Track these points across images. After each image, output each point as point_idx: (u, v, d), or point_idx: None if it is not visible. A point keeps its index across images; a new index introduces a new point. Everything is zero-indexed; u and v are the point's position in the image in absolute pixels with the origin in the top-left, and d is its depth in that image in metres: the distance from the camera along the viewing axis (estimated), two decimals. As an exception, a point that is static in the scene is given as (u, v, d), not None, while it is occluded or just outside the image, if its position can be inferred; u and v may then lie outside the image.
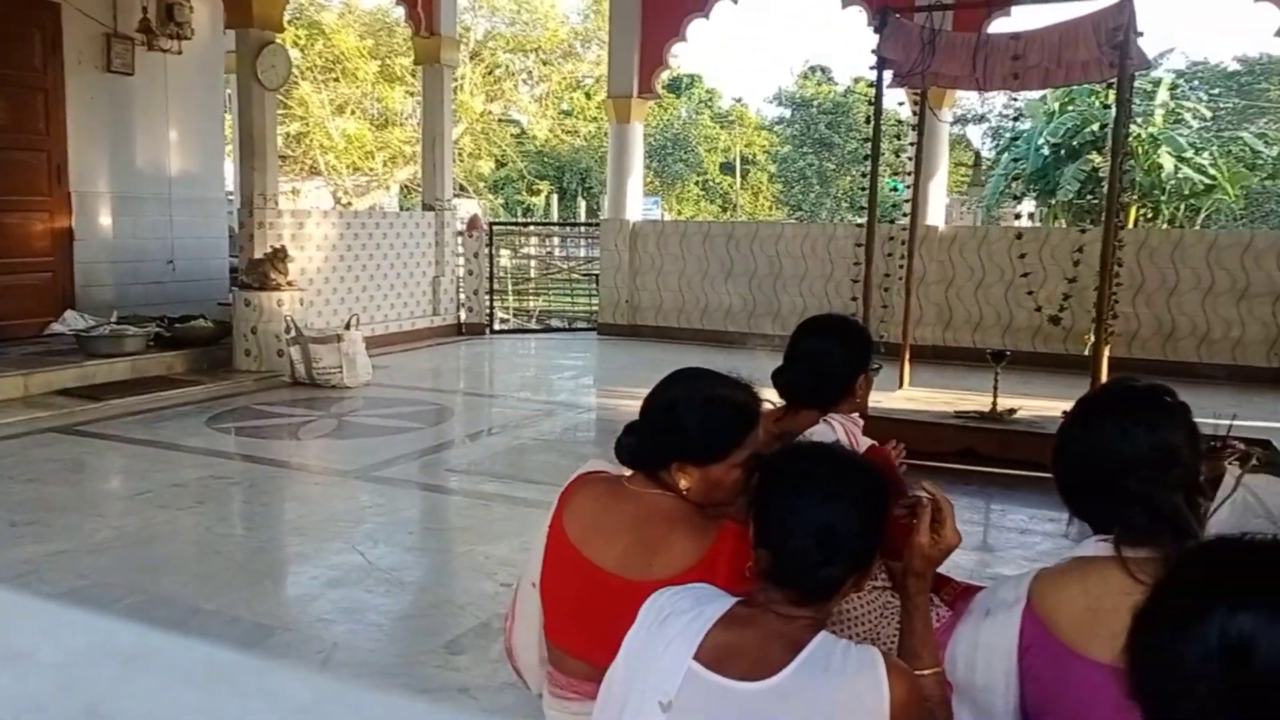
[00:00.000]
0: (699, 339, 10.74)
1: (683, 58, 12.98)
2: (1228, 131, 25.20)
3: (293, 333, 8.19)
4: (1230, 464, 3.98)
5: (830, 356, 2.60)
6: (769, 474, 1.71)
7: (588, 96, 26.65)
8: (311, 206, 19.29)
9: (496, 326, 11.99)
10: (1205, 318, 8.94)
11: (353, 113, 22.55)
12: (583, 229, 17.53)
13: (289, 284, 8.62)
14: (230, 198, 12.26)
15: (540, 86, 24.51)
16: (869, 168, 6.34)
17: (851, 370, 2.62)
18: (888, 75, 6.32)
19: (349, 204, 22.08)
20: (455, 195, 12.39)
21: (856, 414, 2.65)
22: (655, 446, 2.08)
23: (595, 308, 12.20)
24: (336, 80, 21.78)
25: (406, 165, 22.44)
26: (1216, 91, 29.28)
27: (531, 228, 18.92)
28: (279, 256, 8.56)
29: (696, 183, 33.45)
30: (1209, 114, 25.90)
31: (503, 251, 13.44)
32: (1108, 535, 1.72)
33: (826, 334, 2.68)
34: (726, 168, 34.40)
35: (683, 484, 2.02)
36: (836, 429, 2.49)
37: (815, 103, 34.64)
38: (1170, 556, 1.59)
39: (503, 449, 6.45)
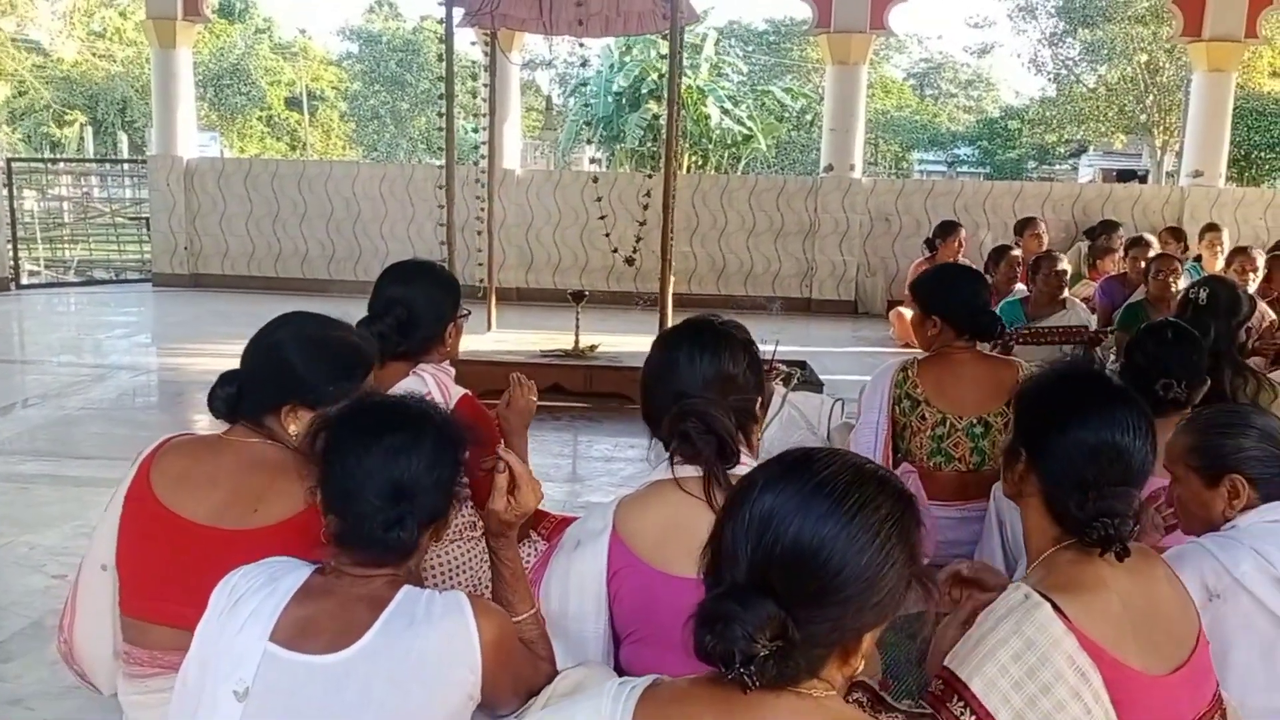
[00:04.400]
0: (274, 288, 10.07)
1: (236, -19, 11.93)
2: (760, 86, 28.26)
3: None
4: (776, 384, 4.50)
5: (417, 304, 2.53)
6: (332, 433, 1.63)
7: (124, 16, 23.62)
8: None
9: (25, 280, 10.41)
10: (750, 255, 10.01)
11: None
12: (126, 167, 15.67)
13: None
14: None
15: (63, 1, 21.25)
16: (444, 108, 6.26)
17: (440, 318, 2.58)
18: (457, 14, 6.25)
19: None
20: (-42, 126, 10.45)
21: (447, 362, 2.61)
22: (261, 391, 1.96)
23: (148, 256, 10.98)
24: None
25: (-113, 88, 18.54)
26: (750, 49, 32.69)
27: (62, 165, 16.57)
28: None
29: (260, 118, 31.17)
30: (745, 69, 28.87)
31: (27, 193, 11.69)
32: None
33: (412, 281, 2.61)
34: (293, 103, 32.41)
35: (292, 429, 1.93)
36: (427, 380, 2.44)
37: (384, 39, 33.63)
38: (713, 472, 1.79)
39: (43, 422, 5.63)
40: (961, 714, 1.55)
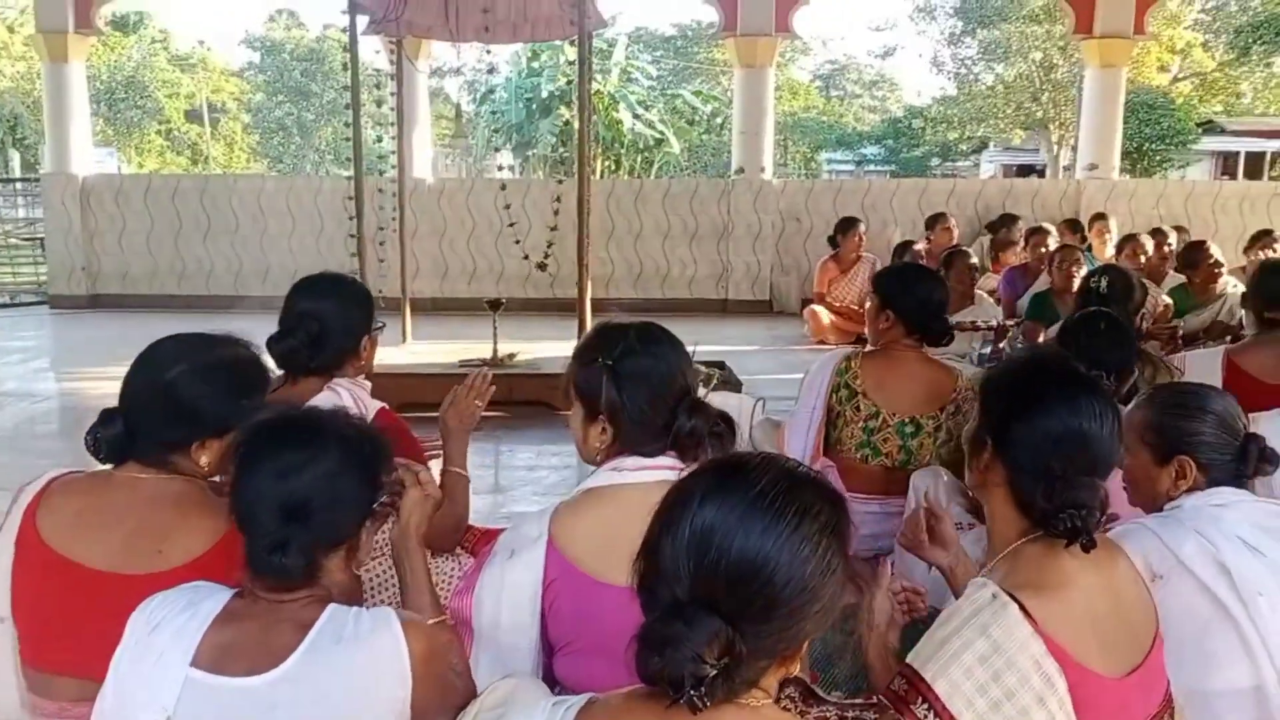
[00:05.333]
0: (177, 306, 9.77)
1: (128, -9, 11.56)
2: (670, 90, 28.45)
3: None
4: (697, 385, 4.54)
5: (329, 319, 2.49)
6: (239, 450, 1.59)
7: (11, 30, 22.70)
8: None
9: (-89, 307, 9.91)
10: (665, 259, 10.05)
11: None
12: (18, 186, 15.04)
13: None
14: None
15: (-57, 15, 20.35)
16: (351, 118, 6.16)
17: (354, 332, 2.53)
18: (361, 22, 6.15)
19: None
20: None
21: (363, 376, 2.57)
22: (160, 431, 1.86)
23: (44, 278, 10.56)
24: None
25: None
26: (659, 54, 32.88)
27: (-52, 186, 15.84)
28: None
29: (159, 132, 30.28)
30: (655, 74, 29.03)
31: (-90, 215, 11.11)
32: (622, 463, 1.86)
33: (323, 295, 2.56)
34: (193, 116, 31.55)
35: (204, 460, 1.86)
36: (343, 395, 2.39)
37: (288, 48, 32.97)
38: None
39: (-65, 454, 5.36)
40: (925, 716, 1.53)
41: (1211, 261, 5.85)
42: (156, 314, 9.35)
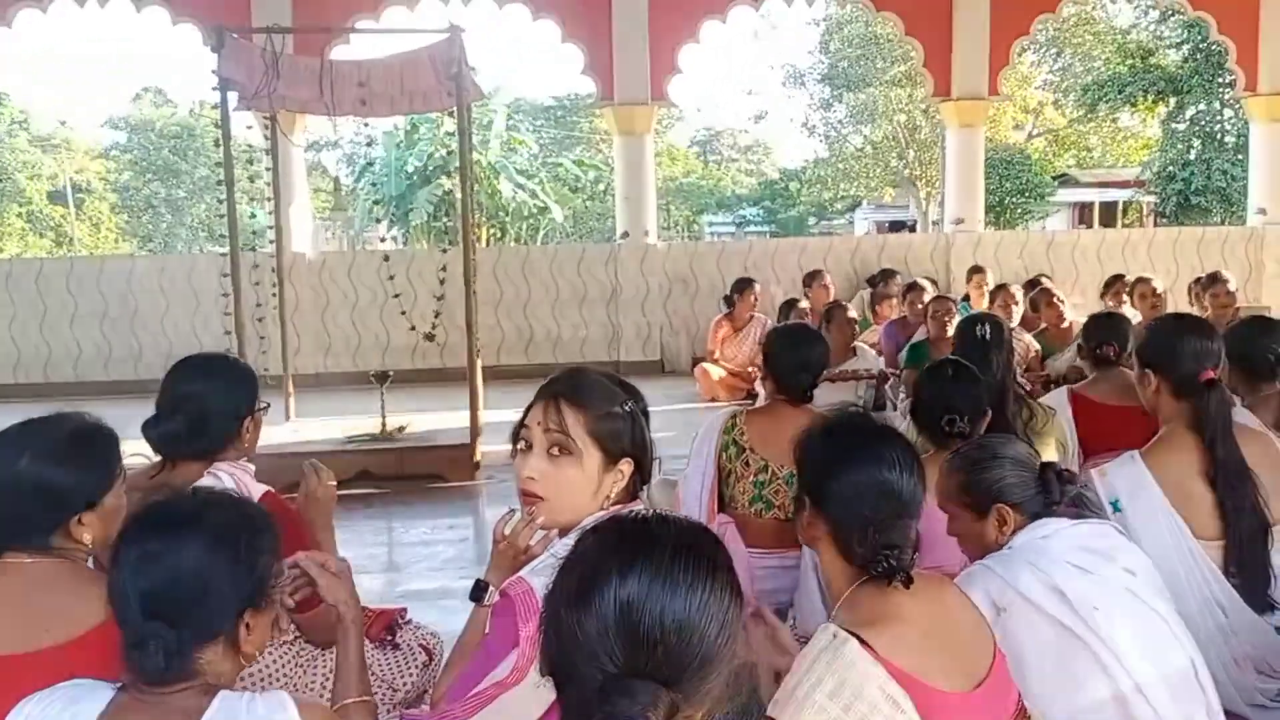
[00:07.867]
0: (44, 394, 9.25)
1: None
2: (552, 159, 28.75)
3: None
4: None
5: (209, 400, 2.40)
6: (117, 538, 1.54)
7: None
8: None
9: None
10: (556, 323, 10.06)
11: None
12: None
13: None
14: None
15: None
16: (225, 194, 6.03)
17: (235, 413, 2.44)
18: (232, 98, 6.06)
19: None
20: None
21: (246, 459, 2.47)
22: (24, 522, 1.79)
23: (-106, 371, 9.90)
24: None
25: None
26: (540, 123, 33.26)
27: None
28: None
29: (19, 215, 29.01)
30: (535, 145, 29.34)
31: None
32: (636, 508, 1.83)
33: (202, 375, 2.47)
34: (57, 197, 30.37)
35: (87, 537, 1.81)
36: (224, 479, 2.29)
37: (156, 126, 32.17)
38: None
39: None
40: None
41: (1054, 302, 6.30)
42: (20, 404, 8.85)
